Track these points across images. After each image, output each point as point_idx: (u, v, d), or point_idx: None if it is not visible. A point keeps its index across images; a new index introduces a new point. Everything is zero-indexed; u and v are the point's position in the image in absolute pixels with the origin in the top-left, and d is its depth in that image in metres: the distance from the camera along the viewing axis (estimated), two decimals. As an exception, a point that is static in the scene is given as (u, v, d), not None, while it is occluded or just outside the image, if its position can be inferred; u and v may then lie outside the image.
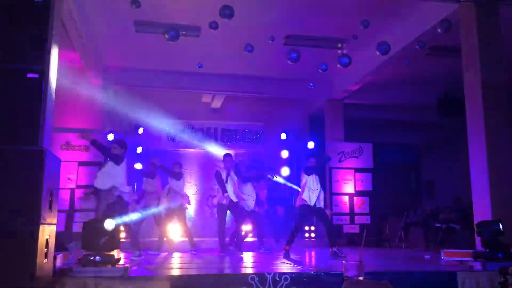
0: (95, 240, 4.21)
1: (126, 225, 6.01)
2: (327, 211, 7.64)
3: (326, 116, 11.40)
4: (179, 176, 7.69)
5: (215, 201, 7.38)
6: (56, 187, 3.81)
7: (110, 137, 9.42)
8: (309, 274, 4.19)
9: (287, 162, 11.02)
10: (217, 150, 10.03)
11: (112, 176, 5.91)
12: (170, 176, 7.67)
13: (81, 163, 9.46)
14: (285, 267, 5.18)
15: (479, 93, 5.95)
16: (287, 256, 6.24)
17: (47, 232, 3.51)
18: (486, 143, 5.78)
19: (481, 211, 5.74)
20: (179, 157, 9.97)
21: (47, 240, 3.49)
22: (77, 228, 8.96)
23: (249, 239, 8.36)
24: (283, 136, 11.08)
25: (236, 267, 5.49)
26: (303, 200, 6.54)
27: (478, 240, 5.31)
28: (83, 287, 3.63)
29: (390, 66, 8.84)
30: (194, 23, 7.57)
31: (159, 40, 7.00)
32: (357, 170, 10.92)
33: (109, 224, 4.27)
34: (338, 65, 6.70)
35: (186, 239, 7.65)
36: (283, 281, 3.98)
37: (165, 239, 7.90)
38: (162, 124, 10.67)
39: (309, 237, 10.41)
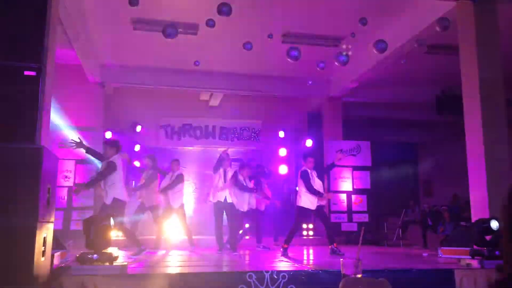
0: (95, 237, 4.19)
1: (121, 224, 5.99)
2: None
3: (324, 114, 11.41)
4: (180, 179, 7.67)
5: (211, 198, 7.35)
6: (53, 185, 3.79)
7: (108, 134, 9.43)
8: (307, 272, 4.19)
9: (285, 160, 11.02)
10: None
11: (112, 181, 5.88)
12: (162, 175, 7.73)
13: (78, 161, 9.41)
14: (283, 265, 5.19)
15: (476, 90, 5.96)
16: (285, 254, 6.24)
17: (45, 230, 3.50)
18: (483, 140, 5.80)
19: (479, 208, 5.76)
20: (177, 155, 9.95)
21: (44, 238, 3.47)
22: (74, 226, 8.96)
23: (247, 237, 8.35)
24: (281, 134, 11.07)
25: (234, 265, 5.49)
26: (305, 204, 6.50)
27: (475, 238, 5.32)
28: (81, 285, 3.63)
29: (388, 64, 8.84)
30: (192, 20, 7.56)
31: (157, 38, 6.98)
32: (355, 168, 10.90)
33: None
34: (336, 63, 6.69)
35: (185, 237, 7.65)
36: (281, 279, 3.97)
37: (163, 237, 7.88)
38: (160, 122, 10.67)
39: (307, 235, 10.42)
